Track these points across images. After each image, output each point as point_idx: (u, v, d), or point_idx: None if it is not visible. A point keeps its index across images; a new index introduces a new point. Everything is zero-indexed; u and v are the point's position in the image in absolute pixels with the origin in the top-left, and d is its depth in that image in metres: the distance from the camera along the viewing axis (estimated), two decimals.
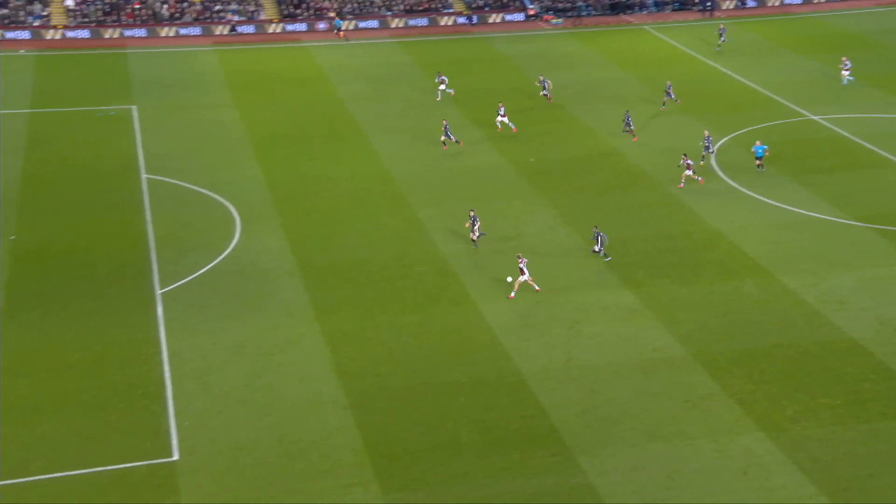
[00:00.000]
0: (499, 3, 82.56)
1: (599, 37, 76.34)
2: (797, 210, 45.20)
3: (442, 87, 60.65)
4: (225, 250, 41.68)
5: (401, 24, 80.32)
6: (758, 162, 48.68)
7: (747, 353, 34.25)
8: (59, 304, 36.92)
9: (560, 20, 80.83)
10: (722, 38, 70.72)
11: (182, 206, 45.86)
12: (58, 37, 73.76)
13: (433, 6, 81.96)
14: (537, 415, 31.26)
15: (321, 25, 78.68)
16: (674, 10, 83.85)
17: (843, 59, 62.91)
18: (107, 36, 74.60)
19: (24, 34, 73.17)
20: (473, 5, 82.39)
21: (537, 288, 38.22)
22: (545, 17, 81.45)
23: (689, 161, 47.51)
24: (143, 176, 49.09)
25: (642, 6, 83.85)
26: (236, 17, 78.57)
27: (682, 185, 47.55)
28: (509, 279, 38.15)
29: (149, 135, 54.80)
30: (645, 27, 79.14)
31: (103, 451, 29.13)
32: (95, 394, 31.81)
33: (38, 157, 51.09)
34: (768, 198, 46.42)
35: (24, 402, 31.14)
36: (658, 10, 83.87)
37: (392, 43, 75.53)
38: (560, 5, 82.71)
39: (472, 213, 41.72)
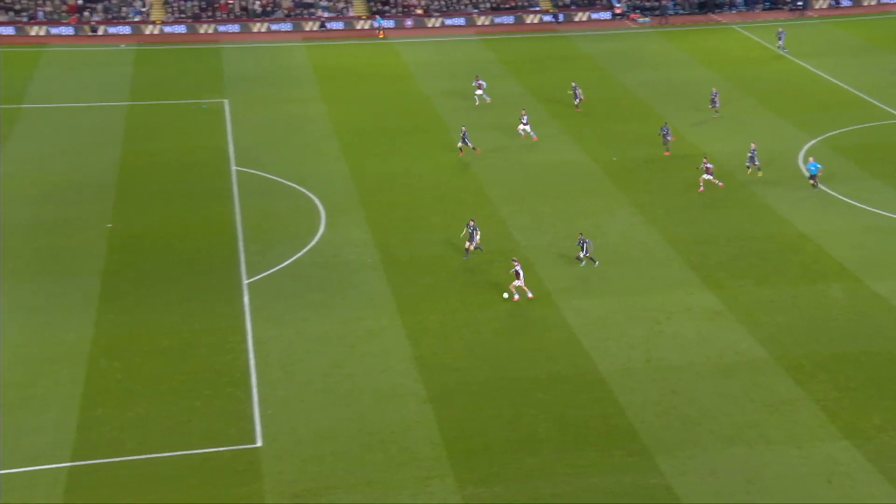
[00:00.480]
0: (585, 2, 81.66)
1: (687, 36, 74.95)
2: (888, 214, 43.62)
3: (479, 91, 58.70)
4: (310, 242, 42.08)
5: (486, 22, 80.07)
6: (812, 181, 46.23)
7: (833, 359, 33.17)
8: (151, 291, 37.69)
9: (647, 19, 79.55)
10: (780, 42, 67.94)
11: (269, 198, 46.45)
12: (156, 32, 75.52)
13: (519, 4, 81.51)
14: (616, 413, 30.79)
15: (409, 22, 78.90)
16: (764, 10, 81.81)
17: None
18: (202, 31, 76.08)
19: (125, 29, 75.08)
20: (560, 3, 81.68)
21: (530, 295, 37.28)
22: (632, 15, 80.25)
23: (708, 164, 46.27)
24: (233, 168, 49.89)
25: (732, 5, 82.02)
26: (326, 14, 79.33)
27: (701, 189, 46.19)
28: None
29: (239, 128, 55.69)
30: (734, 26, 77.42)
31: (190, 435, 29.65)
32: (183, 379, 32.41)
33: (134, 148, 52.33)
34: (857, 201, 44.91)
35: (117, 386, 31.89)
36: (748, 9, 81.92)
37: (477, 40, 75.34)
38: (647, 4, 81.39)
39: (471, 223, 40.12)
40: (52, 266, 39.26)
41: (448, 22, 79.56)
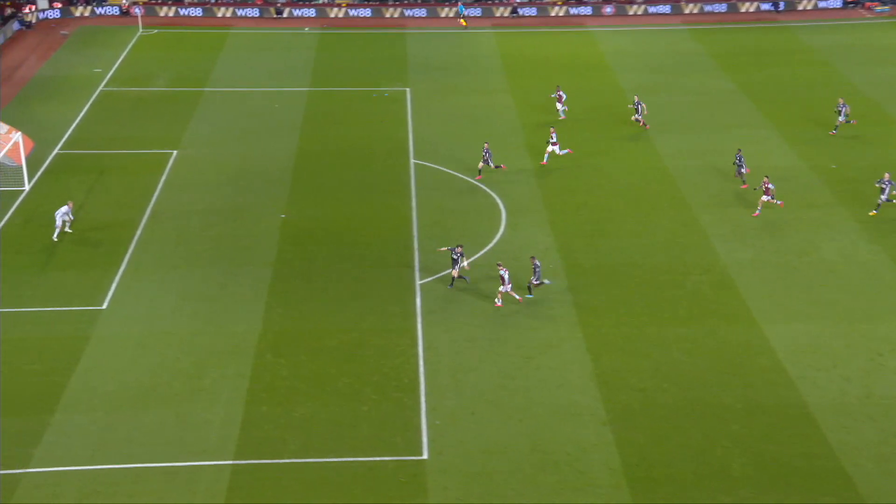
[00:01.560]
0: None
1: None
2: None
3: (559, 105, 55.86)
4: (488, 243, 42.33)
5: (695, 10, 78.23)
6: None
7: None
8: (321, 286, 38.93)
9: (887, 7, 75.46)
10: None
11: (448, 195, 47.07)
12: (340, 15, 78.05)
13: None
14: (824, 454, 29.37)
15: (608, 9, 78.16)
16: None
17: None
18: (387, 15, 78.04)
19: (310, 12, 77.99)
20: None
21: (518, 298, 36.86)
22: (867, 3, 76.34)
23: (769, 185, 43.17)
24: (412, 161, 50.87)
25: None
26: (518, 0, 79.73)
27: (757, 212, 43.34)
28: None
29: (420, 118, 56.74)
30: None
31: (354, 441, 30.42)
32: (350, 381, 33.30)
33: (312, 135, 54.27)
34: None
35: (283, 383, 33.13)
36: None
37: (683, 30, 73.75)
38: None
39: (459, 249, 38.46)
40: (225, 255, 41.22)
41: (652, 9, 78.25)
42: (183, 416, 31.36)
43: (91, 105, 57.94)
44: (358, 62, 67.02)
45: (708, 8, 78.16)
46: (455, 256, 38.48)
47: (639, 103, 54.56)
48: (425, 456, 29.79)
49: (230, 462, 29.39)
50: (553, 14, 78.54)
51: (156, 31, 72.54)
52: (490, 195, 46.81)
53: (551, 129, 50.25)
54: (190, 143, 52.81)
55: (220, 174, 49.01)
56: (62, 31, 72.09)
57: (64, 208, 42.40)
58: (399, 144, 52.64)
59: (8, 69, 64.27)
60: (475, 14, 78.21)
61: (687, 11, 77.98)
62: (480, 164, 48.31)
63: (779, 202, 44.10)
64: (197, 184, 47.96)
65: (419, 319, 36.88)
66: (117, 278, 39.36)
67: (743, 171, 46.93)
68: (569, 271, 40.06)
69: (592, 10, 78.22)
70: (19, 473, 28.74)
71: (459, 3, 77.13)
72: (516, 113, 57.54)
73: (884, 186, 43.23)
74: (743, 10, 77.94)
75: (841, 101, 53.16)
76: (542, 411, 31.78)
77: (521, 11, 78.62)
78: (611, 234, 43.27)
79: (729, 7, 78.20)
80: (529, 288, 37.83)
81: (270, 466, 29.31)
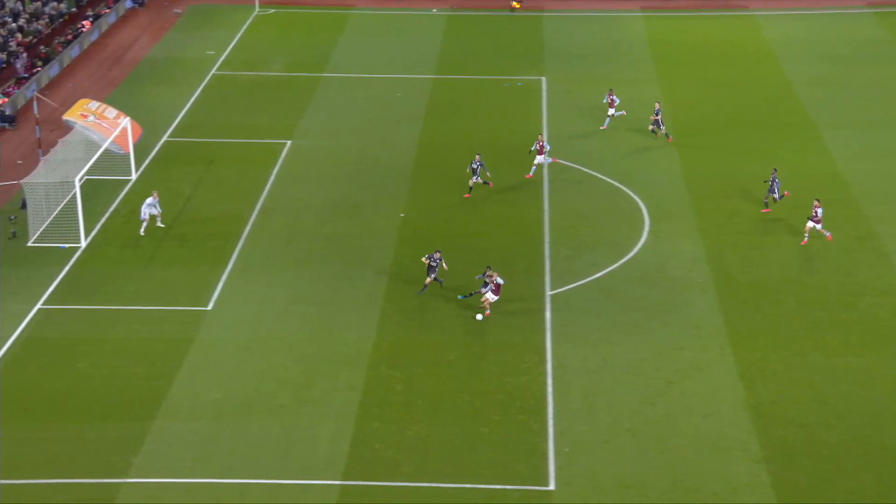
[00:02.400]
0: None
1: None
2: None
3: (611, 111, 53.05)
4: (628, 252, 41.87)
5: None
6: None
7: None
8: (441, 293, 39.05)
9: None
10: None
11: (584, 196, 46.76)
12: None
13: None
14: None
15: None
16: None
17: None
18: None
19: None
20: None
21: (488, 312, 36.95)
22: None
23: (818, 208, 40.91)
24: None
25: None
26: None
27: (805, 240, 41.19)
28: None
29: (556, 111, 56.52)
30: None
31: (473, 465, 30.42)
32: (470, 400, 33.33)
33: (436, 127, 54.65)
34: None
35: (397, 398, 33.39)
36: None
37: (867, 14, 71.51)
38: None
39: (437, 255, 38.21)
40: (339, 256, 41.80)
41: None
42: (289, 429, 31.91)
43: (202, 90, 59.65)
44: (489, 48, 67.19)
45: None
46: (434, 263, 38.20)
47: (659, 111, 51.53)
48: (552, 486, 29.59)
49: (338, 482, 29.75)
50: None
51: (273, 10, 74.21)
52: (632, 198, 46.28)
53: (539, 137, 48.47)
54: (305, 133, 53.80)
55: (336, 167, 49.76)
56: (175, 10, 74.44)
57: (149, 199, 43.53)
58: (531, 140, 52.44)
59: (119, 49, 66.74)
60: None
61: None
62: (471, 182, 45.97)
63: (827, 233, 41.83)
64: (311, 177, 48.79)
65: (549, 334, 36.69)
66: (224, 277, 40.35)
67: (775, 194, 44.07)
68: (720, 285, 39.32)
69: None
70: (118, 483, 29.68)
71: None
72: (665, 107, 56.68)
73: (771, 182, 43.57)
74: None
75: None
76: (686, 443, 31.23)
77: None
78: (770, 246, 42.31)
79: None
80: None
81: (381, 489, 29.56)
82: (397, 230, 43.96)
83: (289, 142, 52.59)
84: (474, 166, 45.98)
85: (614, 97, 53.46)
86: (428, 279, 38.45)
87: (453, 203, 46.33)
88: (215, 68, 62.99)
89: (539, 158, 47.85)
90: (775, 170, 44.91)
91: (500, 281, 37.20)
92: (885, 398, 33.08)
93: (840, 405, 32.79)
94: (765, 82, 60.01)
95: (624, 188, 47.24)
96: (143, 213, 43.38)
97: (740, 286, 39.51)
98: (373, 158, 50.67)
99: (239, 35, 69.03)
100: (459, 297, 38.12)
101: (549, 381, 34.21)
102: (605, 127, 53.22)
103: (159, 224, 43.68)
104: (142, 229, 43.38)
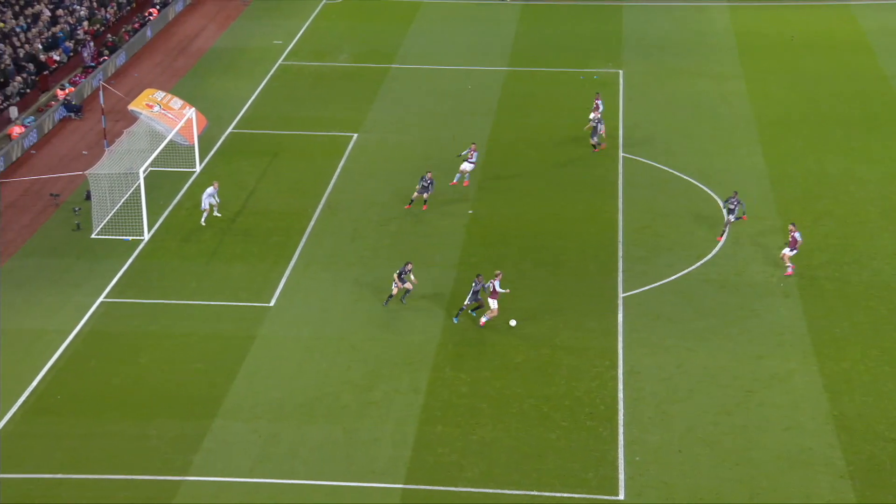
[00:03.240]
0: None
1: None
2: None
3: (592, 115, 50.33)
4: (707, 254, 41.73)
5: None
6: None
7: None
8: (509, 294, 39.22)
9: None
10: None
11: (662, 195, 46.67)
12: None
13: None
14: None
15: None
16: None
17: None
18: None
19: None
20: None
21: (483, 320, 36.61)
22: None
23: (795, 233, 39.16)
24: (621, 154, 50.67)
25: None
26: None
27: (788, 270, 39.51)
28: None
29: (633, 105, 56.42)
30: None
31: (540, 472, 30.63)
32: (537, 404, 33.55)
33: (507, 121, 54.83)
34: None
35: (462, 401, 33.72)
36: None
37: None
38: None
39: (409, 267, 38.16)
40: (404, 253, 42.08)
41: None
42: (351, 431, 32.41)
43: (268, 80, 60.52)
44: (565, 38, 67.22)
45: None
46: (402, 274, 38.11)
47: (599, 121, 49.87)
48: (621, 497, 29.70)
49: (400, 486, 30.15)
50: None
51: None
52: (713, 199, 46.09)
53: (472, 145, 47.40)
54: (372, 126, 54.34)
55: (403, 162, 50.18)
56: None
57: (210, 189, 44.42)
58: (608, 135, 52.44)
59: (185, 39, 67.96)
60: None
61: None
62: (415, 195, 45.44)
63: (790, 267, 39.81)
64: (378, 172, 49.30)
65: (621, 338, 36.76)
66: (287, 274, 40.99)
67: (731, 217, 42.22)
68: (805, 291, 39.02)
69: None
70: (178, 480, 30.41)
71: None
72: (749, 103, 56.37)
73: (730, 205, 41.62)
74: None
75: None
76: (765, 456, 31.13)
77: None
78: (859, 249, 41.94)
79: None
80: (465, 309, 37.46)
81: (444, 494, 29.90)
82: (465, 228, 44.28)
83: (355, 135, 53.17)
84: (424, 184, 44.89)
85: (598, 101, 51.04)
86: (395, 287, 38.27)
87: (524, 200, 46.49)
88: (282, 58, 63.84)
89: (465, 165, 46.91)
90: (735, 192, 43.11)
91: (499, 288, 36.86)
92: None
93: None
94: (860, 77, 59.31)
95: (705, 188, 47.05)
96: (203, 203, 44.28)
97: (827, 292, 39.18)
98: (441, 153, 50.95)
99: (307, 24, 69.87)
100: (455, 319, 37.78)
101: (621, 387, 34.30)
102: (596, 145, 50.32)
103: (216, 214, 44.50)
104: (202, 219, 44.26)
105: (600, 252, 42.28)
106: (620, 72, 61.09)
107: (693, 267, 40.88)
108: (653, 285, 39.77)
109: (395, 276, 38.34)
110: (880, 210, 45.00)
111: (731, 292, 39.26)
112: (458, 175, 47.28)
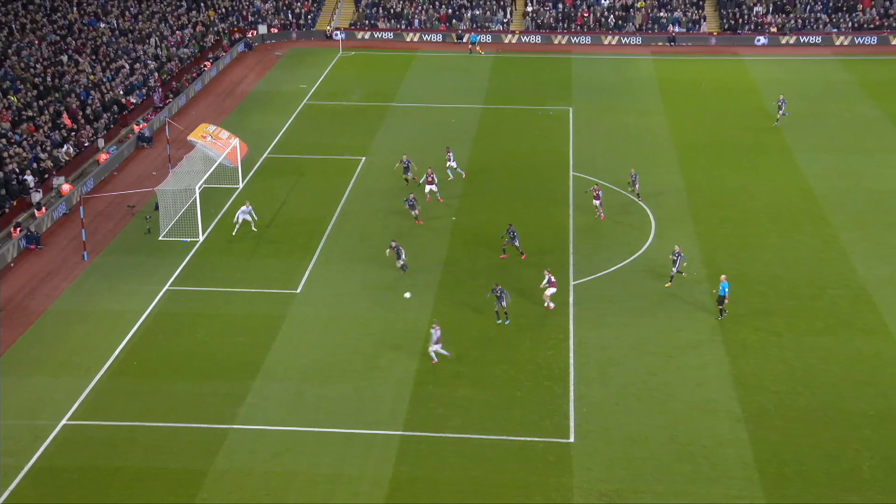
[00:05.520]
0: None
1: None
2: None
3: (451, 163, 48.48)
4: (638, 250, 41.58)
5: (846, 42, 74.41)
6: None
7: None
8: (484, 283, 39.02)
9: None
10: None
11: (603, 204, 46.42)
12: (514, 41, 78.15)
13: (886, 24, 74.86)
14: None
15: (762, 40, 75.35)
16: None
17: None
18: (556, 41, 77.62)
19: (487, 38, 78.40)
20: None
21: (447, 354, 33.25)
22: None
23: (677, 254, 37.32)
24: (571, 173, 50.46)
25: None
26: (676, 29, 77.77)
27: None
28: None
29: (580, 135, 56.22)
30: None
31: (508, 422, 30.46)
32: (507, 368, 33.34)
33: (484, 147, 54.54)
34: None
35: (448, 367, 33.37)
36: None
37: (833, 60, 70.28)
38: None
39: (393, 243, 38.83)
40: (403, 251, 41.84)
41: (804, 40, 74.91)
42: (360, 390, 32.18)
43: (296, 116, 60.13)
44: (527, 83, 66.97)
45: (859, 40, 74.18)
46: (394, 249, 38.74)
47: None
48: (572, 439, 29.57)
49: (399, 433, 29.96)
50: (712, 44, 76.23)
51: (353, 52, 74.62)
52: (642, 207, 45.93)
53: (428, 169, 46.12)
54: (376, 152, 54.03)
55: (401, 180, 49.84)
56: (276, 53, 75.13)
57: (243, 207, 43.16)
58: (561, 158, 52.31)
59: (232, 84, 67.53)
60: (636, 42, 76.79)
61: (838, 43, 74.24)
62: (406, 175, 46.39)
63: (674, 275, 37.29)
64: (381, 188, 49.01)
65: (572, 316, 36.58)
66: (310, 266, 40.71)
67: (674, 269, 37.94)
68: (712, 279, 38.88)
69: (745, 40, 75.47)
70: (226, 428, 30.17)
71: (471, 34, 75.66)
72: (669, 133, 56.24)
73: (674, 258, 37.76)
74: (895, 42, 73.52)
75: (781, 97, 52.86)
76: (682, 406, 31.03)
77: (678, 41, 76.64)
78: (753, 246, 41.81)
79: (879, 39, 74.00)
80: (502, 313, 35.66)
81: (434, 439, 29.72)
82: (450, 232, 44.02)
83: (363, 158, 52.86)
84: (405, 165, 46.27)
85: (450, 153, 48.59)
86: (398, 263, 38.95)
87: (497, 209, 46.20)
88: (307, 99, 63.46)
89: (430, 187, 45.96)
90: (677, 246, 38.39)
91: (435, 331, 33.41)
92: (842, 371, 32.60)
93: (807, 376, 32.40)
94: (750, 113, 59.17)
95: (634, 198, 46.86)
96: (237, 217, 43.40)
97: (729, 279, 38.95)
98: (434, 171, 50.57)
99: (326, 72, 69.49)
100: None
101: (571, 354, 34.11)
102: (451, 177, 48.06)
103: (253, 229, 43.44)
104: (234, 230, 43.35)
105: (555, 249, 42.07)
106: (570, 108, 60.87)
107: (628, 261, 40.72)
108: (597, 275, 39.60)
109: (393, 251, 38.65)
110: (768, 215, 44.90)
111: (656, 280, 39.12)
112: (428, 194, 45.93)
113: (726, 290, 35.66)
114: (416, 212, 44.37)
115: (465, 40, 76.75)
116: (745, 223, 44.16)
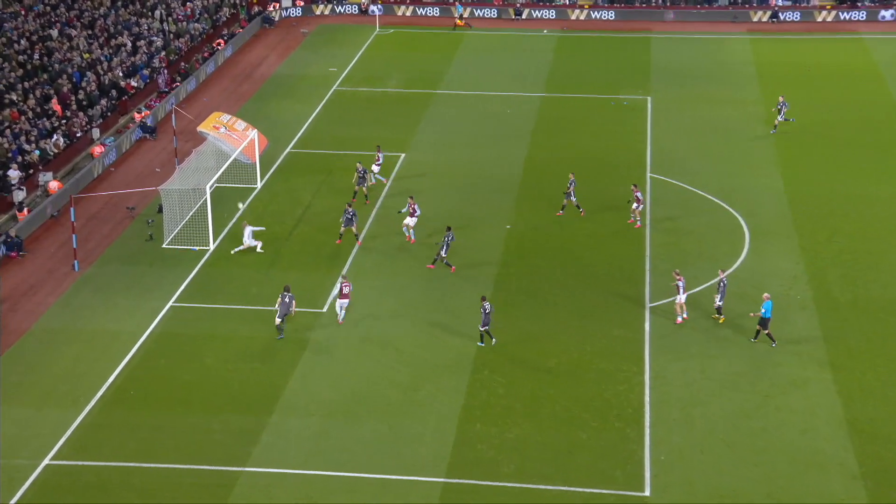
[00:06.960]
0: None
1: None
2: None
3: (376, 165, 48.83)
4: (728, 268, 41.22)
5: None
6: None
7: None
8: (543, 303, 39.01)
9: None
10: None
11: (686, 213, 46.20)
12: (582, 17, 78.13)
13: None
14: None
15: (885, 14, 74.35)
16: None
17: None
18: (632, 18, 77.43)
19: (550, 13, 78.48)
20: None
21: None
22: None
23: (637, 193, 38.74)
24: (648, 174, 50.23)
25: None
26: (780, 1, 77.17)
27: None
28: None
29: (660, 129, 55.98)
30: None
31: (570, 469, 30.30)
32: (568, 405, 33.22)
33: (543, 143, 54.56)
34: None
35: (499, 402, 33.43)
36: None
37: None
38: None
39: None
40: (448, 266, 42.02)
41: None
42: (396, 428, 32.25)
43: (324, 104, 60.67)
44: (597, 68, 66.89)
45: None
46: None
47: (572, 182, 45.68)
48: (647, 493, 29.32)
49: (442, 480, 29.95)
50: (819, 20, 75.48)
51: (392, 30, 75.11)
52: (733, 215, 45.56)
53: (409, 199, 44.05)
54: (418, 147, 54.28)
55: (446, 180, 50.06)
56: (302, 30, 75.90)
57: (248, 229, 42.96)
58: (636, 157, 52.11)
59: (249, 66, 68.34)
60: (727, 19, 76.32)
61: None
62: (565, 201, 45.46)
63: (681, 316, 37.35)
64: (423, 189, 49.15)
65: (647, 345, 36.36)
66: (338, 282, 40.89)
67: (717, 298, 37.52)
68: (819, 304, 38.45)
69: (867, 14, 74.51)
70: (238, 471, 30.40)
71: (457, 3, 75.35)
72: (768, 127, 55.73)
73: (719, 287, 37.09)
74: None
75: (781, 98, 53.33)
76: (782, 457, 30.63)
77: (781, 16, 76.05)
78: (870, 265, 41.30)
79: None
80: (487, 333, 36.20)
81: (482, 488, 29.65)
82: (503, 241, 44.04)
83: (403, 155, 53.12)
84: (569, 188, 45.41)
85: (380, 154, 49.09)
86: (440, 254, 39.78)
87: (558, 217, 46.16)
88: (337, 84, 63.99)
89: (409, 220, 43.59)
90: (722, 270, 38.28)
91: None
92: None
93: None
94: (873, 103, 58.55)
95: (727, 206, 46.52)
96: (245, 236, 42.79)
97: (842, 305, 38.60)
98: (481, 172, 50.81)
99: (360, 53, 70.03)
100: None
101: (647, 390, 33.89)
102: (372, 182, 48.20)
103: (259, 251, 42.91)
104: (234, 249, 42.98)
105: (629, 264, 41.88)
106: (649, 98, 60.64)
107: (715, 280, 40.33)
108: (678, 297, 39.24)
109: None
110: (889, 228, 44.27)
111: (750, 304, 38.71)
112: (405, 229, 43.93)
113: (769, 310, 35.32)
114: (354, 227, 43.24)
115: (521, 15, 76.83)
116: (860, 237, 43.62)
